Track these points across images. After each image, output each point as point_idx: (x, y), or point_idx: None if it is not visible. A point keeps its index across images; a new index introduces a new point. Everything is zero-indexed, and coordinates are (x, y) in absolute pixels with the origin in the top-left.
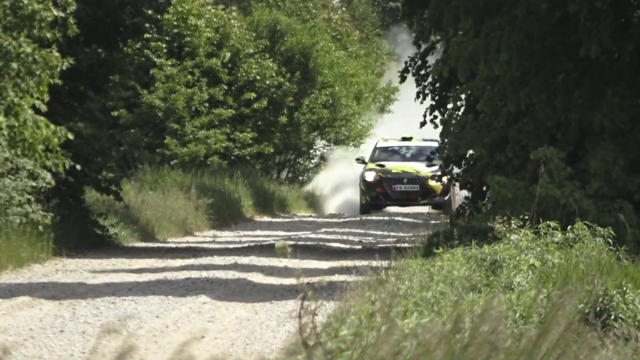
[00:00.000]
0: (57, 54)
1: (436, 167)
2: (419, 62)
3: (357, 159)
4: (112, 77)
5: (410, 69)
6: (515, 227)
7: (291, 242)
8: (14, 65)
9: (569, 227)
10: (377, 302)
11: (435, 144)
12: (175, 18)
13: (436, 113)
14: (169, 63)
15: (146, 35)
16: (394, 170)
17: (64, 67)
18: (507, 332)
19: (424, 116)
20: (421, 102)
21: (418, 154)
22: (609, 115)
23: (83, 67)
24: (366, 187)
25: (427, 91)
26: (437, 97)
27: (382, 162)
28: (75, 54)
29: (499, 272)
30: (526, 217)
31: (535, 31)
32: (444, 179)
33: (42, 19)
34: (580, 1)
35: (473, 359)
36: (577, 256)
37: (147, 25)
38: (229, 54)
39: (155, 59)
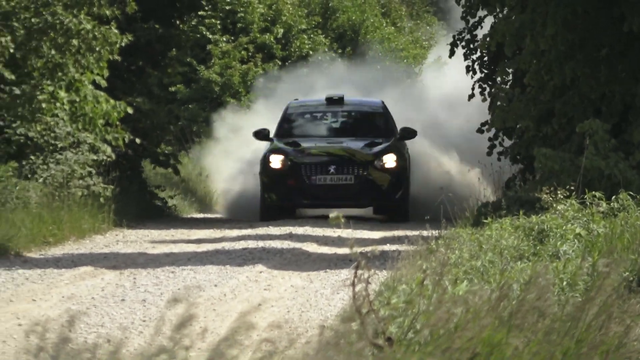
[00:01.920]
0: (116, 31)
1: (381, 147)
2: (468, 37)
3: (256, 133)
4: (169, 53)
5: (458, 42)
6: (561, 197)
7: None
8: (75, 42)
9: (613, 197)
10: (428, 271)
11: (379, 106)
12: None
13: (485, 86)
14: (224, 39)
15: (201, 12)
16: (314, 152)
17: (122, 44)
18: (554, 299)
19: (472, 89)
20: (471, 77)
21: (354, 125)
22: None
23: (141, 43)
24: (270, 179)
25: (475, 65)
26: (485, 71)
27: (296, 139)
28: (133, 30)
29: (546, 241)
30: (572, 188)
31: (580, 6)
32: (392, 160)
33: None
34: None
35: (520, 324)
36: (622, 225)
37: (202, 2)
38: (282, 30)
39: (210, 36)
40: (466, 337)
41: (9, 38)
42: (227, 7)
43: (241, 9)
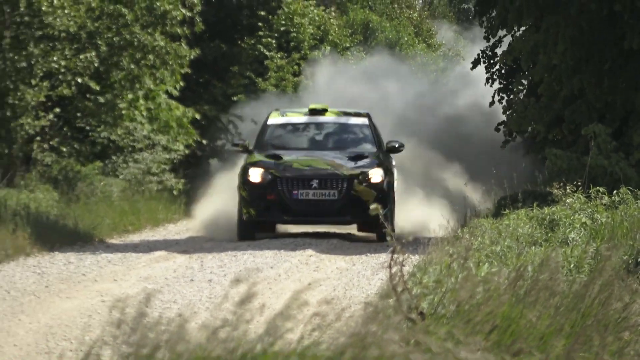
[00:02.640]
0: (185, 47)
1: (367, 160)
2: (489, 53)
3: (235, 145)
4: (232, 68)
5: (481, 58)
6: (569, 192)
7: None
8: (150, 57)
9: (614, 191)
10: (454, 255)
11: (365, 120)
12: (283, 17)
13: (503, 95)
14: (279, 56)
15: (259, 33)
16: (295, 166)
17: (191, 57)
18: (563, 279)
19: (492, 97)
20: (490, 86)
21: (338, 137)
22: None
23: (208, 59)
24: (248, 194)
25: (495, 77)
26: (503, 82)
27: (277, 151)
28: (201, 47)
29: (556, 229)
30: (579, 184)
31: (586, 26)
32: (378, 175)
33: (173, 17)
34: (625, 1)
35: (534, 301)
36: (622, 216)
37: (260, 24)
38: (329, 48)
39: (267, 52)
40: (487, 311)
41: (93, 54)
42: (282, 28)
43: (294, 30)
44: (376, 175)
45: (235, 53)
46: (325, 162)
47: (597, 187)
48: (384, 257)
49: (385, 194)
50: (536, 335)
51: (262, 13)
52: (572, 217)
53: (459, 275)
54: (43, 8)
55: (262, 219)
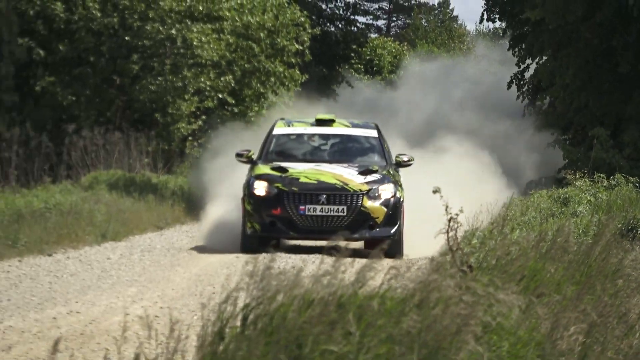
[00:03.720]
0: (298, 72)
1: (377, 175)
2: (519, 76)
3: (239, 155)
4: (332, 87)
5: (513, 80)
6: (578, 177)
7: None
8: (272, 79)
9: (611, 177)
10: (494, 224)
11: (374, 132)
12: (368, 50)
13: (530, 108)
14: (365, 78)
15: (352, 61)
16: (302, 180)
17: (302, 81)
18: (574, 241)
19: (523, 110)
20: (521, 101)
21: (345, 149)
22: (635, 108)
23: (313, 80)
24: (254, 207)
25: (524, 94)
26: (529, 98)
27: (283, 164)
28: (309, 72)
29: (568, 205)
30: (585, 171)
31: (590, 56)
32: (389, 191)
33: (289, 50)
34: (618, 38)
35: (552, 257)
36: (617, 195)
37: (352, 54)
38: (402, 72)
39: (356, 75)
40: (518, 265)
41: (231, 77)
42: (367, 57)
43: (376, 59)
44: (387, 191)
45: (333, 76)
46: (334, 176)
47: (599, 174)
48: (441, 225)
49: (395, 211)
50: (554, 282)
51: (354, 46)
52: (580, 196)
53: (497, 238)
54: (194, 43)
55: (266, 234)
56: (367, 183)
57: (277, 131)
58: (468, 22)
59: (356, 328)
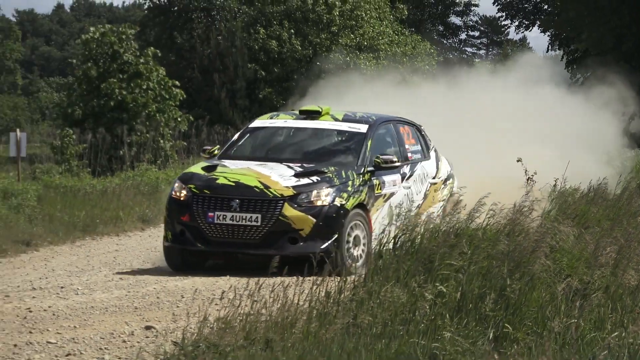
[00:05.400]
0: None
1: (318, 177)
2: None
3: (204, 151)
4: None
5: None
6: None
7: None
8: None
9: None
10: (554, 184)
11: (362, 128)
12: None
13: None
14: None
15: None
16: (220, 181)
17: None
18: (609, 192)
19: None
20: None
21: (313, 147)
22: None
23: None
24: (168, 212)
25: None
26: None
27: (225, 161)
28: None
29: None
30: None
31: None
32: (324, 196)
33: (423, 70)
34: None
35: (595, 202)
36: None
37: None
38: None
39: None
40: (573, 208)
41: None
42: None
43: None
44: (321, 197)
45: None
46: (259, 178)
47: None
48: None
49: (330, 222)
50: (596, 218)
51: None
52: None
53: (556, 193)
54: (361, 66)
55: (177, 244)
56: (295, 187)
57: (253, 124)
58: (539, 51)
59: (467, 249)
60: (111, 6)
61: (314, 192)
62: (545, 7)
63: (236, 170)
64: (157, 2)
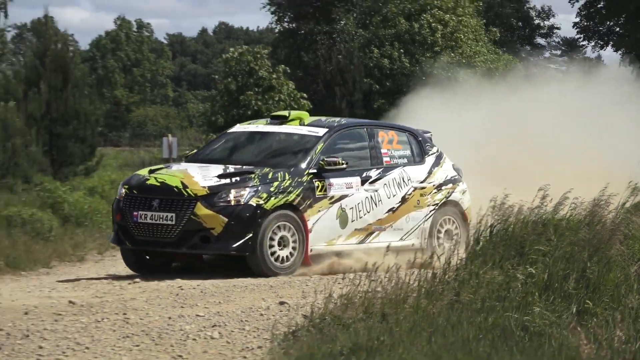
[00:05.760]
0: None
1: (241, 177)
2: None
3: (187, 157)
4: None
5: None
6: None
7: None
8: None
9: None
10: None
11: (319, 132)
12: None
13: None
14: None
15: None
16: (150, 181)
17: None
18: None
19: None
20: None
21: (262, 151)
22: None
23: None
24: (112, 213)
25: None
26: None
27: (182, 164)
28: None
29: None
30: None
31: None
32: (239, 195)
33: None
34: None
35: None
36: None
37: None
38: None
39: None
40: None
41: None
42: None
43: None
44: (237, 197)
45: None
46: (183, 178)
47: None
48: None
49: (242, 222)
50: None
51: None
52: None
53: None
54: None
55: (115, 244)
56: (211, 187)
57: (231, 129)
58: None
59: (553, 236)
60: (247, 30)
61: (232, 192)
62: (617, 29)
63: (170, 172)
64: (287, 26)
